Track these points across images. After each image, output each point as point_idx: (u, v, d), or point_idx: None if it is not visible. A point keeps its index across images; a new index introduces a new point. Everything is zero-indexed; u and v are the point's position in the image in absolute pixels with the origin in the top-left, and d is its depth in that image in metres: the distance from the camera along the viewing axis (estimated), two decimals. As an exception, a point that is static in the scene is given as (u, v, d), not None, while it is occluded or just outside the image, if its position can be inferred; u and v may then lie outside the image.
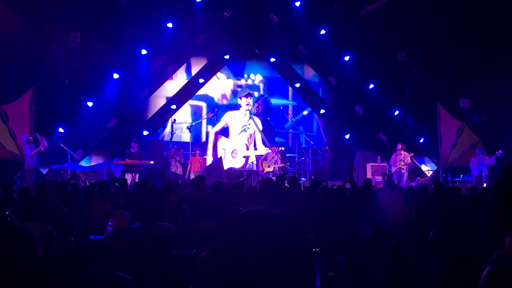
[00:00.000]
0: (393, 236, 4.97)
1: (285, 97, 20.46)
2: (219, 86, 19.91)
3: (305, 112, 20.63)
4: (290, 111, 20.52)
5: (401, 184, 15.21)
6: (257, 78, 20.32)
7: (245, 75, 20.28)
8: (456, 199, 8.68)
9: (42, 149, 14.35)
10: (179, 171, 16.17)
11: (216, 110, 19.41)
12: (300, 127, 20.29)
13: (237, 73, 20.17)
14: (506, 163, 14.71)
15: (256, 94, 20.11)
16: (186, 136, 18.17)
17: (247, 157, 18.81)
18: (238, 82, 20.17)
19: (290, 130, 19.69)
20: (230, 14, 17.94)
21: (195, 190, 9.08)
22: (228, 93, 19.94)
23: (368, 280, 4.39)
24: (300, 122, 20.73)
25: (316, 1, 18.02)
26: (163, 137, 18.43)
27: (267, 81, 20.33)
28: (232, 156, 18.63)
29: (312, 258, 1.79)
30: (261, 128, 19.26)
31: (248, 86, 20.18)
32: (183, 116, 19.31)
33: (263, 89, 20.40)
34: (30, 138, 14.31)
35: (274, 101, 20.45)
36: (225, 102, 19.88)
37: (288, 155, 18.77)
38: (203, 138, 19.59)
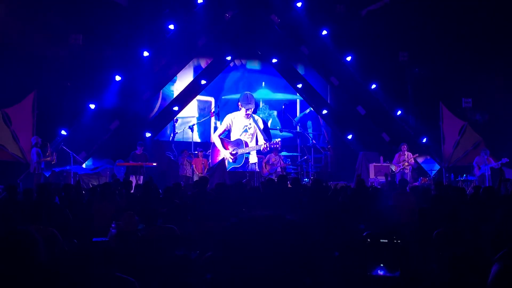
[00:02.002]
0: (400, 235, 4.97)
1: (292, 91, 20.41)
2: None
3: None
4: (297, 106, 20.59)
5: (404, 184, 15.16)
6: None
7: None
8: (459, 199, 8.66)
9: (50, 161, 14.39)
10: (189, 173, 16.17)
11: (218, 110, 19.41)
12: (308, 121, 20.34)
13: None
14: (509, 164, 14.69)
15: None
16: (189, 136, 18.19)
17: (246, 158, 18.76)
18: None
19: (298, 125, 19.67)
20: (232, 15, 17.95)
21: (198, 191, 9.09)
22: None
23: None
24: (308, 117, 20.75)
25: (318, 2, 18.01)
26: (172, 137, 18.43)
27: (271, 75, 20.28)
28: (231, 155, 18.59)
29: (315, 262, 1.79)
30: (262, 126, 19.20)
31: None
32: (190, 111, 19.41)
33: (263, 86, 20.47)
34: (38, 141, 14.35)
35: (281, 96, 20.48)
36: None
37: (285, 153, 18.75)
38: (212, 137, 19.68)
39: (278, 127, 20.20)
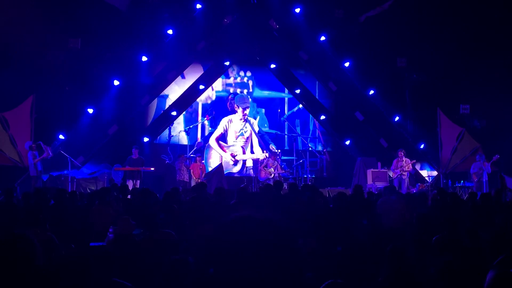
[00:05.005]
0: (393, 240, 4.98)
1: (280, 89, 20.38)
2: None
3: (301, 105, 20.49)
4: (285, 105, 20.59)
5: (402, 190, 15.19)
6: (246, 75, 20.37)
7: (234, 73, 20.29)
8: (458, 205, 8.66)
9: (46, 157, 14.39)
10: (186, 178, 16.15)
11: (214, 113, 19.43)
12: (296, 120, 20.34)
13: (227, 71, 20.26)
14: (505, 168, 14.75)
15: (246, 93, 20.16)
16: (184, 139, 18.17)
17: (244, 162, 18.80)
18: (228, 81, 20.17)
19: (286, 122, 19.62)
20: (231, 20, 17.98)
21: (196, 196, 9.07)
22: (211, 91, 20.00)
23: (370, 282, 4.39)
24: (296, 115, 20.66)
25: (316, 7, 18.04)
26: (167, 140, 18.36)
27: (259, 73, 20.28)
28: (231, 159, 18.60)
29: (298, 259, 1.86)
30: (257, 129, 19.23)
31: (236, 84, 20.16)
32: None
33: (252, 86, 20.37)
34: (33, 145, 14.35)
35: (268, 94, 20.46)
36: (209, 101, 19.91)
37: (284, 157, 18.78)
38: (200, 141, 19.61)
39: (265, 125, 20.22)
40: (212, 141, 18.74)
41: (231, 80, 20.17)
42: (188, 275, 3.96)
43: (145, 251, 5.67)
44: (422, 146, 18.27)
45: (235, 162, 18.54)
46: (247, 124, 18.91)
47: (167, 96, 18.90)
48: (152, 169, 15.78)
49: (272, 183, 12.52)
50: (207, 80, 18.94)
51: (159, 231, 6.10)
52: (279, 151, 17.89)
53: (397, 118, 18.37)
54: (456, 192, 15.16)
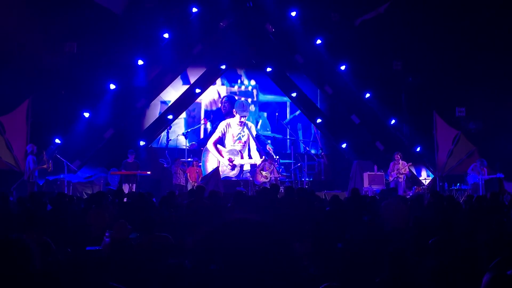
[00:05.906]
0: (391, 242, 4.99)
1: (283, 93, 20.36)
2: (211, 92, 19.98)
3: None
4: (287, 108, 20.62)
5: (399, 193, 15.20)
6: (250, 84, 20.43)
7: (239, 81, 20.35)
8: (454, 208, 8.69)
9: (46, 169, 14.35)
10: (183, 181, 16.13)
11: (212, 117, 19.41)
12: (298, 124, 20.35)
13: (231, 79, 20.24)
14: (502, 171, 14.78)
15: (250, 102, 20.22)
16: (182, 143, 18.15)
17: (241, 166, 18.79)
18: (232, 89, 20.20)
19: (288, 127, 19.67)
20: (227, 24, 18.00)
21: (194, 200, 9.07)
22: (217, 97, 20.03)
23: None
24: (298, 119, 20.71)
25: (312, 11, 18.05)
26: (165, 144, 18.31)
27: (261, 77, 20.28)
28: (228, 164, 18.59)
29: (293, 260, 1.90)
30: (255, 133, 19.23)
31: (241, 92, 20.19)
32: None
33: (256, 95, 20.42)
34: (34, 149, 14.32)
35: (270, 98, 20.48)
36: (214, 108, 19.97)
37: (284, 161, 18.78)
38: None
39: (268, 129, 20.24)
40: (210, 145, 18.71)
41: (235, 89, 20.23)
42: (184, 279, 3.96)
43: (142, 255, 5.66)
44: (418, 149, 18.28)
45: (233, 167, 18.52)
46: (245, 128, 18.90)
47: (169, 102, 18.91)
48: (149, 173, 15.75)
49: (268, 187, 12.53)
50: (203, 83, 18.93)
51: (155, 235, 6.09)
52: (277, 157, 17.86)
53: (393, 121, 18.39)
54: (452, 195, 15.18)
